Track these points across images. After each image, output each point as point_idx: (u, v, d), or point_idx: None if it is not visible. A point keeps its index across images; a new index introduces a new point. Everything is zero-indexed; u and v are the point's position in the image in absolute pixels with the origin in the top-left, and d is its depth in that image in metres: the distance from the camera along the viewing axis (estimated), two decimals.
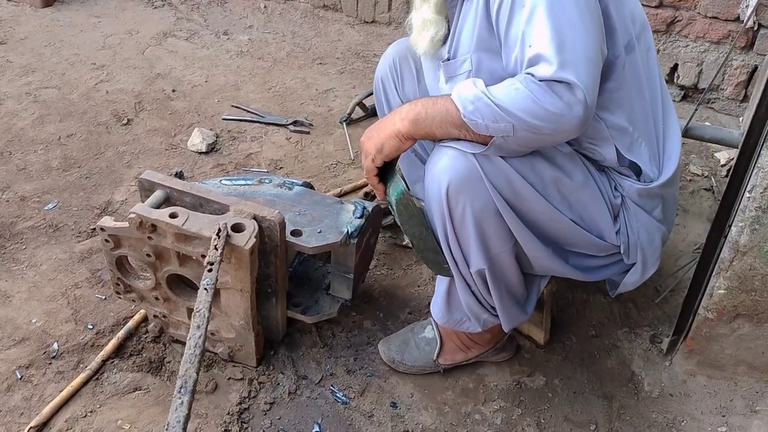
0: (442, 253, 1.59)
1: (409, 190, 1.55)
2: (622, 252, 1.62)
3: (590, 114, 1.32)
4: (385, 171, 1.59)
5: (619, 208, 1.59)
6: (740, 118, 2.94)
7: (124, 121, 2.84)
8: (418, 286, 2.16)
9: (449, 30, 1.57)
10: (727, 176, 2.63)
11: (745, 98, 2.94)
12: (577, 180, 1.51)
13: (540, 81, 1.29)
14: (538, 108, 1.30)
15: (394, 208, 1.56)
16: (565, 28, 1.30)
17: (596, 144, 1.53)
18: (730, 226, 1.64)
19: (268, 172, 2.59)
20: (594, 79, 1.32)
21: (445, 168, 1.43)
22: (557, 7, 1.30)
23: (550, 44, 1.29)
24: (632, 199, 1.59)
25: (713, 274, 1.72)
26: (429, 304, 2.07)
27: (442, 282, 1.68)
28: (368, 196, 1.91)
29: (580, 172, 1.52)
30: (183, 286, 1.77)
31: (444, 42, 1.59)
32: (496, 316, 1.67)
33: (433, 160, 1.47)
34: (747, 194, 1.55)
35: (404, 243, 2.25)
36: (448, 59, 1.54)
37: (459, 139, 1.43)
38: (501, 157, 1.42)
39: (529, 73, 1.31)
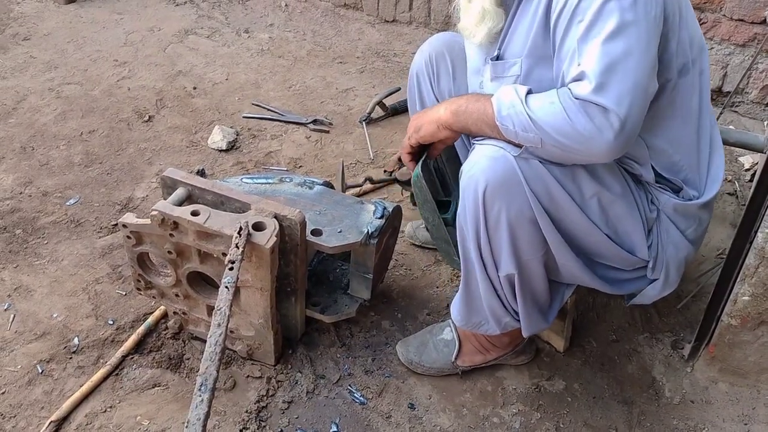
0: (454, 245, 1.61)
1: (425, 178, 1.57)
2: (649, 267, 1.60)
3: (625, 142, 1.29)
4: (420, 152, 1.64)
5: (653, 222, 1.57)
6: (765, 122, 2.90)
7: (146, 118, 2.85)
8: (437, 287, 2.15)
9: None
10: (750, 181, 2.60)
11: None
12: (615, 192, 1.49)
13: (576, 99, 1.28)
14: (568, 126, 1.30)
15: (412, 188, 1.60)
16: (617, 51, 1.27)
17: (636, 161, 1.52)
18: (755, 232, 1.62)
19: (287, 170, 2.59)
20: (638, 109, 1.29)
21: (483, 169, 1.41)
22: (615, 29, 1.27)
23: (597, 64, 1.27)
24: (667, 214, 1.57)
25: (738, 280, 1.70)
26: (448, 305, 2.07)
27: (463, 284, 1.67)
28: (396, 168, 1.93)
29: (619, 184, 1.51)
30: (203, 283, 1.78)
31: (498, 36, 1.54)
32: (517, 320, 1.66)
33: (471, 160, 1.45)
34: None
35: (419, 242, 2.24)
36: (498, 57, 1.51)
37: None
38: (542, 163, 1.40)
39: (569, 88, 1.30)
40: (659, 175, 1.54)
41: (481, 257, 1.53)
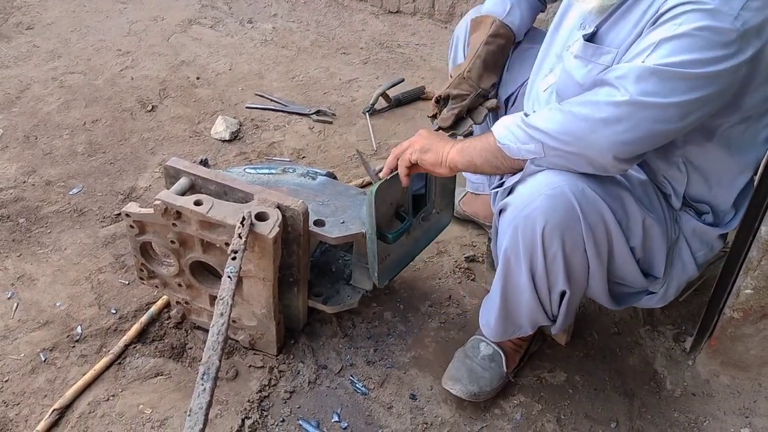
0: (378, 262, 1.68)
1: (376, 197, 1.60)
2: (658, 283, 1.60)
3: (623, 137, 1.29)
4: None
5: (673, 243, 1.57)
6: None
7: (149, 108, 2.85)
8: (439, 279, 2.15)
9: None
10: (755, 174, 2.59)
11: None
12: (654, 214, 1.49)
13: (599, 79, 1.31)
14: (566, 117, 1.32)
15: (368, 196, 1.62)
16: (681, 76, 1.25)
17: (670, 183, 1.52)
18: (759, 225, 1.62)
19: (290, 161, 2.59)
20: (649, 122, 1.28)
21: (542, 209, 1.39)
22: (696, 60, 1.24)
23: (653, 65, 1.25)
24: (685, 236, 1.57)
25: (740, 273, 1.70)
26: (450, 296, 2.08)
27: (501, 305, 1.63)
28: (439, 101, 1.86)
29: (658, 207, 1.51)
30: (206, 273, 1.78)
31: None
32: (552, 321, 1.65)
33: (524, 195, 1.42)
34: None
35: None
36: (594, 34, 1.45)
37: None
38: (594, 192, 1.39)
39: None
40: (686, 200, 1.55)
41: (535, 284, 1.52)
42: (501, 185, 1.90)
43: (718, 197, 1.54)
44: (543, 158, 1.38)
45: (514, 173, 1.49)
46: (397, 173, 1.63)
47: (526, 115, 1.40)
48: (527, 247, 1.44)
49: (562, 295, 1.55)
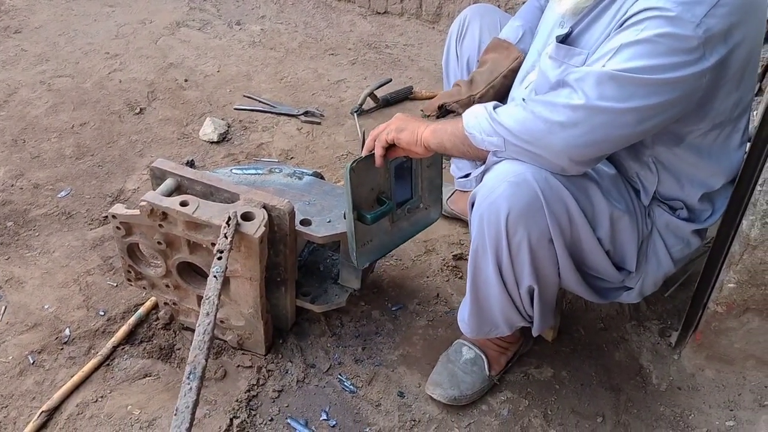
0: (356, 241, 1.69)
1: (363, 171, 1.63)
2: (633, 277, 1.62)
3: (579, 139, 1.32)
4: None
5: (645, 237, 1.58)
6: (753, 112, 2.91)
7: (137, 110, 2.85)
8: (427, 277, 2.16)
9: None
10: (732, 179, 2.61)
11: (760, 91, 2.90)
12: (622, 207, 1.50)
13: (560, 81, 1.33)
14: (528, 116, 1.35)
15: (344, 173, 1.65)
16: (639, 81, 1.26)
17: (642, 181, 1.54)
18: (740, 220, 1.64)
19: (278, 162, 2.60)
20: (604, 128, 1.31)
21: (506, 196, 1.40)
22: (656, 65, 1.25)
23: (613, 70, 1.27)
24: (658, 229, 1.58)
25: (723, 267, 1.71)
26: (438, 294, 2.09)
27: (472, 301, 1.64)
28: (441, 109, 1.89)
29: (624, 200, 1.52)
30: (193, 273, 1.79)
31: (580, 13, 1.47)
32: (529, 322, 1.66)
33: (489, 185, 1.43)
34: (759, 188, 1.54)
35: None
36: (568, 35, 1.47)
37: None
38: (560, 182, 1.40)
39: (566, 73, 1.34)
40: (657, 197, 1.56)
41: (502, 277, 1.53)
42: (466, 176, 1.94)
43: (691, 196, 1.55)
44: (504, 152, 1.41)
45: (480, 160, 1.52)
46: (365, 156, 1.65)
47: (496, 106, 1.43)
48: (492, 237, 1.46)
49: (531, 292, 1.56)
